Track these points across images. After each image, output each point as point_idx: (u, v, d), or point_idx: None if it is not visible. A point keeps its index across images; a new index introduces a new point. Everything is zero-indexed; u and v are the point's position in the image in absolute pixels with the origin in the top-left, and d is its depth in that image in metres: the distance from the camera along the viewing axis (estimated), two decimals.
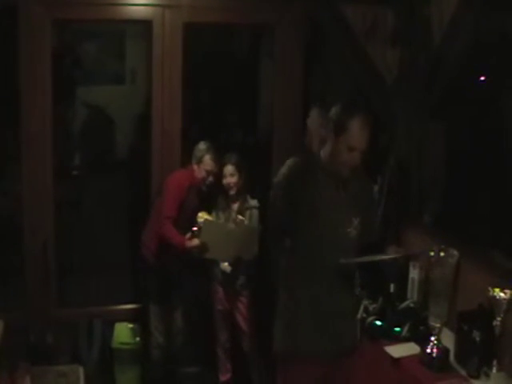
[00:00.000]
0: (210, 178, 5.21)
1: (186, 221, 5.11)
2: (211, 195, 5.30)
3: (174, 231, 5.05)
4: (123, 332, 5.48)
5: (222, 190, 5.27)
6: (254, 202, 5.28)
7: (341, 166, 3.57)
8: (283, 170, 3.67)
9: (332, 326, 3.66)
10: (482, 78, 4.83)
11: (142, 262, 5.31)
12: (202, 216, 5.11)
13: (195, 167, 5.20)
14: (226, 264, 5.19)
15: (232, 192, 5.21)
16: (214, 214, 5.29)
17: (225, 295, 5.34)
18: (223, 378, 5.47)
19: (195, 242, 5.02)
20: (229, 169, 5.18)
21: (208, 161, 5.17)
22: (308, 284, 3.64)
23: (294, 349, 3.69)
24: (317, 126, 4.46)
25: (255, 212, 5.24)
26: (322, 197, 3.60)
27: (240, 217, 5.14)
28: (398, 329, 4.21)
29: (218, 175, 5.20)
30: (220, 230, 5.10)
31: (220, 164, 5.20)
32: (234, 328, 5.43)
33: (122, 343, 5.40)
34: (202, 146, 5.23)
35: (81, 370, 5.19)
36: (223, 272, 5.25)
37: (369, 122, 3.52)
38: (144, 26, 5.52)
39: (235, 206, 5.26)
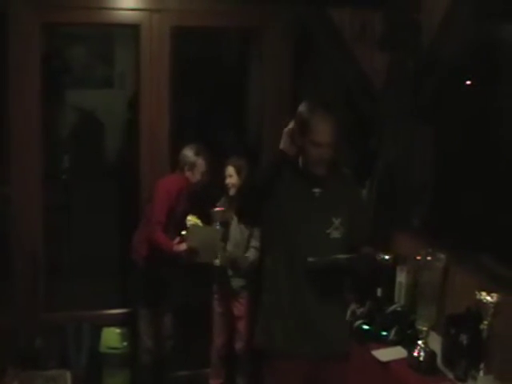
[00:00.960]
0: (206, 177, 5.23)
1: (176, 225, 5.11)
2: (205, 196, 5.27)
3: (163, 237, 5.04)
4: (111, 336, 5.47)
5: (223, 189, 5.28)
6: None
7: (312, 164, 3.55)
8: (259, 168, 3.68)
9: (312, 327, 3.63)
10: (469, 82, 4.84)
11: (132, 266, 5.30)
12: (191, 219, 5.11)
13: (188, 174, 5.19)
14: (218, 260, 5.18)
15: (231, 192, 5.21)
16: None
17: (223, 297, 5.34)
18: (214, 382, 5.45)
19: (183, 246, 5.01)
20: (229, 169, 5.21)
21: (201, 163, 5.18)
22: (287, 284, 3.61)
23: (271, 347, 3.67)
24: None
25: None
26: (296, 196, 3.59)
27: (221, 209, 5.13)
28: (385, 332, 4.21)
29: (214, 172, 5.21)
30: (207, 233, 5.10)
31: (212, 160, 5.20)
32: (230, 331, 5.42)
33: (110, 348, 5.39)
34: (189, 152, 5.21)
35: (69, 375, 5.17)
36: (221, 274, 5.24)
37: (330, 117, 3.50)
38: (132, 29, 5.53)
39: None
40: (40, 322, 5.37)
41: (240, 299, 5.32)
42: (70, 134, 7.18)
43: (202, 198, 5.29)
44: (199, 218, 5.18)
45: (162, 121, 5.45)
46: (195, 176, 5.19)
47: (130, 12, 5.33)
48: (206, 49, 7.01)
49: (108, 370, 5.38)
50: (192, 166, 5.17)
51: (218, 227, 5.13)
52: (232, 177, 5.20)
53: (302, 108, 3.55)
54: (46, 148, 5.39)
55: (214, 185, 5.33)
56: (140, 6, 5.33)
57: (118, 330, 5.50)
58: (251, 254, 5.22)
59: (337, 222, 3.62)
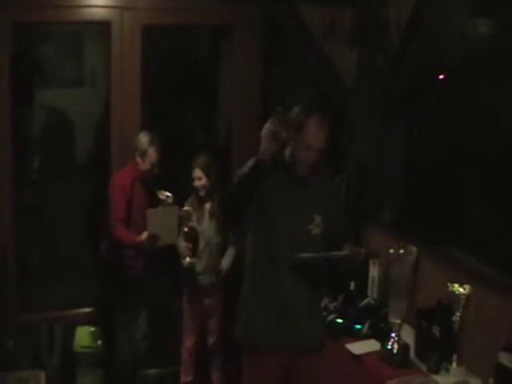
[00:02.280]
0: (156, 168, 5.17)
1: (139, 216, 5.07)
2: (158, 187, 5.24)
3: (124, 231, 5.04)
4: (84, 336, 5.43)
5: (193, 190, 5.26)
6: None
7: (299, 165, 3.60)
8: (242, 168, 3.68)
9: (292, 320, 3.66)
10: (441, 77, 4.88)
11: (103, 266, 5.29)
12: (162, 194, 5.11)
13: (139, 160, 5.12)
14: (187, 260, 5.17)
15: (201, 194, 5.21)
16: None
17: (193, 295, 5.33)
18: (185, 379, 5.43)
19: (144, 235, 5.00)
20: (196, 172, 5.18)
21: (152, 153, 5.09)
22: (268, 279, 3.65)
23: (252, 341, 3.71)
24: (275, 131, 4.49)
25: None
26: (280, 194, 3.62)
27: (167, 193, 5.11)
28: (358, 326, 4.25)
29: (161, 165, 5.17)
30: (165, 215, 5.07)
31: (162, 154, 5.16)
32: (201, 331, 5.42)
33: (84, 347, 5.36)
34: (143, 137, 5.13)
35: (42, 375, 5.15)
36: (192, 272, 5.22)
37: (326, 123, 3.56)
38: (103, 27, 5.50)
39: (207, 206, 5.27)
40: (12, 322, 5.33)
41: (211, 295, 5.33)
42: (40, 134, 7.12)
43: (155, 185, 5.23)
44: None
45: (133, 119, 5.43)
46: (145, 164, 5.11)
47: (101, 9, 5.30)
48: (176, 47, 6.99)
49: (81, 370, 5.34)
50: (143, 153, 5.08)
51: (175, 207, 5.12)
52: (201, 179, 5.18)
53: (298, 110, 3.60)
54: (15, 148, 5.35)
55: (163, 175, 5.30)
56: (110, 3, 5.31)
57: (91, 329, 5.47)
58: (228, 260, 5.28)
59: (318, 218, 3.67)
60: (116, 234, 5.04)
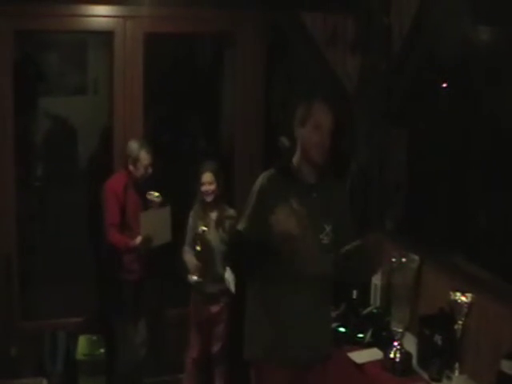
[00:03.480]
0: (149, 170, 5.17)
1: (133, 221, 5.09)
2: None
3: (118, 236, 5.07)
4: (87, 344, 5.44)
5: (200, 197, 5.23)
6: (232, 212, 5.27)
7: (313, 152, 3.59)
8: (256, 182, 3.69)
9: (303, 333, 3.63)
10: (445, 85, 4.87)
11: (103, 272, 5.29)
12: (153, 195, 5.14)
13: (131, 168, 5.14)
14: (194, 278, 5.15)
15: (209, 199, 5.17)
16: (191, 220, 5.27)
17: (199, 304, 5.30)
18: None
19: (138, 239, 5.01)
20: (207, 176, 5.14)
21: (144, 156, 5.12)
22: (278, 290, 3.62)
23: (261, 355, 3.69)
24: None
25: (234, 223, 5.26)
26: (294, 204, 3.60)
27: (155, 193, 5.11)
28: (361, 335, 4.23)
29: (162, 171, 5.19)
30: (158, 217, 5.08)
31: (153, 156, 5.18)
32: (207, 338, 5.39)
33: (86, 355, 5.36)
34: (134, 145, 5.16)
35: (45, 383, 5.15)
36: (197, 283, 5.19)
37: (330, 103, 3.64)
38: (106, 36, 5.52)
39: (214, 215, 5.23)
40: (15, 330, 5.34)
41: (217, 303, 5.31)
42: (44, 141, 7.14)
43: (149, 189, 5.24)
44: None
45: (136, 127, 5.45)
46: (138, 170, 5.13)
47: (104, 19, 5.35)
48: (179, 55, 7.01)
49: (84, 378, 5.35)
50: (135, 159, 5.11)
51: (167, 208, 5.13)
52: (211, 184, 5.14)
53: (302, 103, 3.69)
54: (18, 155, 5.36)
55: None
56: (113, 13, 5.34)
57: (94, 337, 5.48)
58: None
59: (328, 228, 3.66)
60: (110, 239, 5.07)
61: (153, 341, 5.43)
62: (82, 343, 5.44)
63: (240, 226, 3.69)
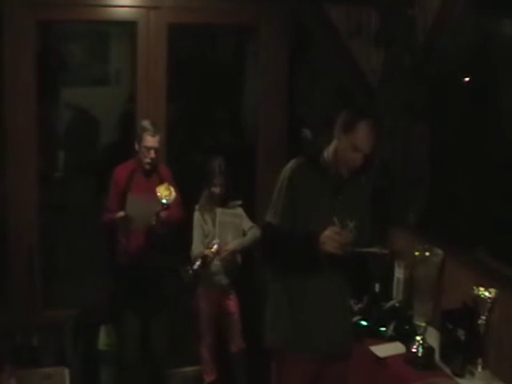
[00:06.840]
0: (152, 155, 5.07)
1: None
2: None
3: (106, 215, 5.13)
4: (108, 334, 5.45)
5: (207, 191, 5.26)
6: (239, 210, 5.32)
7: (342, 166, 3.60)
8: (284, 170, 3.68)
9: (325, 325, 3.65)
10: (467, 79, 4.85)
11: (119, 265, 5.30)
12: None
13: (137, 147, 5.09)
14: (198, 263, 5.16)
15: (217, 192, 5.20)
16: (198, 214, 5.28)
17: (210, 295, 5.33)
18: (208, 379, 5.44)
19: (120, 214, 5.01)
20: (215, 170, 5.17)
21: (147, 138, 5.00)
22: (301, 284, 3.63)
23: (282, 346, 3.70)
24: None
25: (240, 210, 5.30)
26: (319, 196, 3.62)
27: (164, 193, 5.11)
28: (383, 328, 4.23)
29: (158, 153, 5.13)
30: (143, 205, 5.05)
31: (160, 139, 5.12)
32: (219, 330, 5.43)
33: (108, 345, 5.38)
34: (142, 123, 5.09)
35: (66, 372, 5.15)
36: (207, 274, 5.22)
37: (376, 129, 3.58)
38: (128, 26, 5.53)
39: (219, 211, 5.26)
40: (37, 319, 5.36)
41: (227, 295, 5.36)
42: (66, 132, 7.15)
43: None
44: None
45: (159, 117, 5.44)
46: (142, 153, 5.05)
47: (127, 9, 5.34)
48: (202, 46, 7.01)
49: (105, 367, 5.38)
50: (140, 138, 5.04)
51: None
52: (222, 174, 5.17)
53: (352, 109, 3.65)
54: (41, 146, 5.38)
55: None
56: (137, 3, 5.34)
57: (115, 328, 5.48)
58: (249, 238, 5.26)
59: (351, 224, 3.65)
60: (102, 221, 5.18)
61: (171, 332, 5.43)
62: (104, 333, 5.46)
63: (271, 219, 3.68)
